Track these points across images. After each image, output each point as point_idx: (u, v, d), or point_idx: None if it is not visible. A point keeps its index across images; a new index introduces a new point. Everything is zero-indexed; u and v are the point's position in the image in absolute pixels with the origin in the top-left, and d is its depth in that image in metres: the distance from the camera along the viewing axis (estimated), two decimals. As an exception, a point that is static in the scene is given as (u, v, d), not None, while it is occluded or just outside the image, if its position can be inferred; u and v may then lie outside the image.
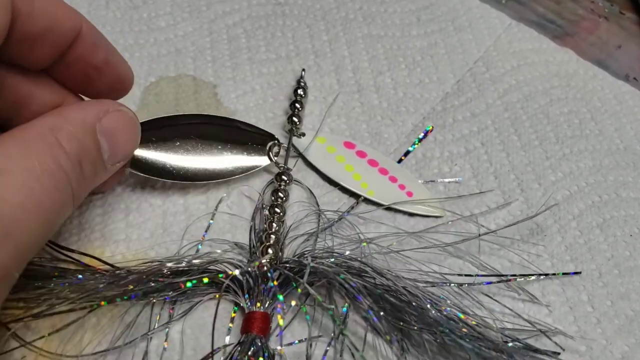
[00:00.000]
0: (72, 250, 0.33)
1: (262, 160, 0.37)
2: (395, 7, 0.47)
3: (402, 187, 0.37)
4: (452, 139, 0.40)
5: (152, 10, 0.45)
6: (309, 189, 0.37)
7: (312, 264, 0.31)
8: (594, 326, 0.33)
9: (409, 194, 0.37)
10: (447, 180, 0.38)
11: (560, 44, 0.45)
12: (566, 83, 0.43)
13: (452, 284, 0.33)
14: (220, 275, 0.32)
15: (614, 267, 0.36)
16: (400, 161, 0.39)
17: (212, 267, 0.32)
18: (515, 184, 0.38)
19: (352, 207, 0.36)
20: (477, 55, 0.44)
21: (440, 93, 0.42)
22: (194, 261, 0.33)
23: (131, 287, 0.31)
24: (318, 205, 0.36)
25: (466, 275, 0.34)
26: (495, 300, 0.33)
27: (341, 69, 0.43)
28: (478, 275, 0.34)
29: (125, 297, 0.31)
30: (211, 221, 0.36)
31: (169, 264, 0.31)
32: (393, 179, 0.37)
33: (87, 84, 0.32)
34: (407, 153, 0.39)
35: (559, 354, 0.31)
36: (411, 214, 0.37)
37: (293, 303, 0.32)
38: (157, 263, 0.32)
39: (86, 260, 0.33)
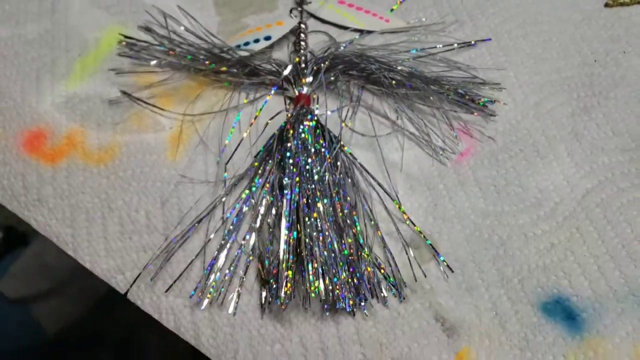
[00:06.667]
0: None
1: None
2: None
3: (381, 18, 0.57)
4: None
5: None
6: (327, 33, 0.57)
7: (332, 51, 0.51)
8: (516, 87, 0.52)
9: (387, 20, 0.57)
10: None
11: None
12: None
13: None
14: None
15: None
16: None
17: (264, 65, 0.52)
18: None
19: (358, 37, 0.56)
20: None
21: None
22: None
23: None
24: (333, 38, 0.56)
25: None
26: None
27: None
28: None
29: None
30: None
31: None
32: (374, 14, 0.57)
33: None
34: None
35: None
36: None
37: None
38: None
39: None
